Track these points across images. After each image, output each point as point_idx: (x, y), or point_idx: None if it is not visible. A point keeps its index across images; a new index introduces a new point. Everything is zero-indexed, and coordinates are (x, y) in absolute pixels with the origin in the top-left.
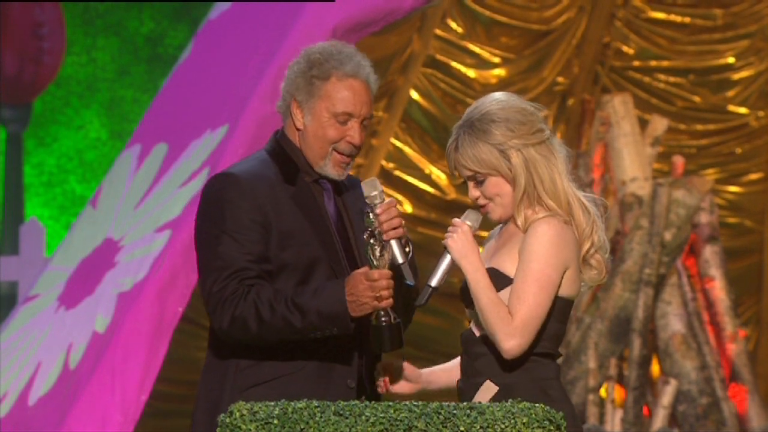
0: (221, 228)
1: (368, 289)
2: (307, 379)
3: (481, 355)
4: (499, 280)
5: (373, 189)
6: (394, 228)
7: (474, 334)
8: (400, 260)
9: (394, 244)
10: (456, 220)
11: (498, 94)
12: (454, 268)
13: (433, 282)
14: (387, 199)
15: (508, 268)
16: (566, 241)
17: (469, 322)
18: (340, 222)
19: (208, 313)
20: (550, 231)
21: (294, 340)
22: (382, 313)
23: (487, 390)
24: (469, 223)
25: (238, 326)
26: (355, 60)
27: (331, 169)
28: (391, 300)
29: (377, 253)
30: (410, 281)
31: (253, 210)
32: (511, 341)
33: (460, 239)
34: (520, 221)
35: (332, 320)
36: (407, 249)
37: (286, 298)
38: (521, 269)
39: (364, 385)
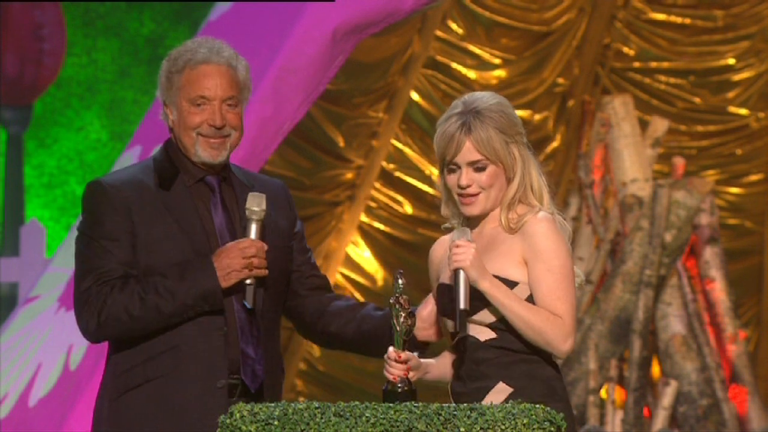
0: (90, 234)
1: (239, 256)
2: (177, 382)
3: (486, 359)
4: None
5: (255, 205)
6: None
7: (477, 339)
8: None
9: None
10: (459, 241)
11: (487, 92)
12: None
13: (462, 305)
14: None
15: (511, 272)
16: (563, 233)
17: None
18: (226, 220)
19: (75, 316)
20: (551, 225)
21: (168, 323)
22: (399, 380)
23: (501, 392)
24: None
25: (108, 324)
26: (208, 46)
27: (203, 152)
28: (265, 271)
29: (401, 319)
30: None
31: (119, 217)
32: (569, 341)
33: (476, 260)
34: (510, 216)
35: (204, 297)
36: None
37: (155, 285)
38: (545, 270)
39: (236, 385)
